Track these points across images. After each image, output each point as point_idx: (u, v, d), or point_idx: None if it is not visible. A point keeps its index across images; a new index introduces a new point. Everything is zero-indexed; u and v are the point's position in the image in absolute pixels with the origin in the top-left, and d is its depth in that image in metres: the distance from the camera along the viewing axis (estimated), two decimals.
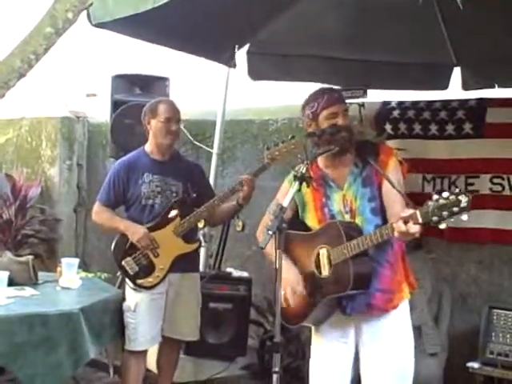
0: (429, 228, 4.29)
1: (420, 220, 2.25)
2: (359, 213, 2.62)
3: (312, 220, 2.73)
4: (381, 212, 2.60)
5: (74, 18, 2.64)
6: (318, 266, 2.60)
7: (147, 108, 3.73)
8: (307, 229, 2.72)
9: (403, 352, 2.63)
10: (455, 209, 2.17)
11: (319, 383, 2.72)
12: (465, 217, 2.17)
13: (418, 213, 2.25)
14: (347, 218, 2.64)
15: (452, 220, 2.18)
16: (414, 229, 2.28)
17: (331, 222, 2.64)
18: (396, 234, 2.34)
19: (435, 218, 2.20)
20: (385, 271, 2.59)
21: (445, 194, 2.19)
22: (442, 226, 2.20)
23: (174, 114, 3.69)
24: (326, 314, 2.66)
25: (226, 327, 4.31)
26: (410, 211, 2.29)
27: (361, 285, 2.53)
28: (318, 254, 2.60)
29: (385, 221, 2.56)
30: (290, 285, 2.64)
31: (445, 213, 2.18)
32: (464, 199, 2.16)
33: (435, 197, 2.21)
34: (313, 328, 2.77)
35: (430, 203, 2.21)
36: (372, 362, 2.64)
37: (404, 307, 2.66)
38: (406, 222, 2.28)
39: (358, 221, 2.61)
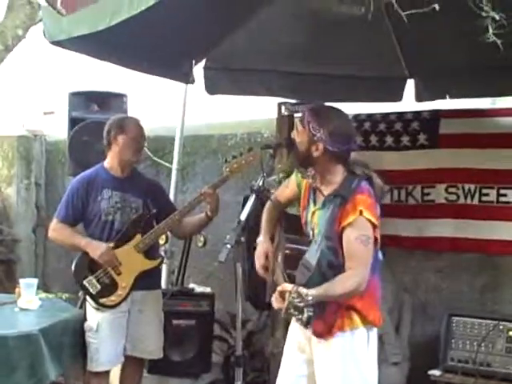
0: (389, 238, 4.35)
1: (285, 304, 2.26)
2: (315, 241, 2.57)
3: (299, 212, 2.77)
4: (338, 253, 2.49)
5: (23, 34, 2.63)
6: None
7: (113, 123, 3.67)
8: None
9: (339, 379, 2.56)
10: (299, 316, 2.22)
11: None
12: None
13: (287, 297, 2.25)
14: (311, 234, 2.61)
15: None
16: (278, 304, 2.33)
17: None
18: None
19: (291, 311, 2.23)
20: (330, 307, 2.51)
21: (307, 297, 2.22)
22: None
23: (142, 132, 3.69)
24: None
25: (190, 344, 4.28)
26: (289, 287, 2.30)
27: None
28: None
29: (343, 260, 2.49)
30: (257, 258, 2.73)
31: (291, 311, 2.23)
32: (306, 314, 2.21)
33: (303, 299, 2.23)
34: None
35: (296, 300, 2.22)
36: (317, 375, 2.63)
37: (350, 336, 2.56)
38: (280, 295, 2.32)
39: None
